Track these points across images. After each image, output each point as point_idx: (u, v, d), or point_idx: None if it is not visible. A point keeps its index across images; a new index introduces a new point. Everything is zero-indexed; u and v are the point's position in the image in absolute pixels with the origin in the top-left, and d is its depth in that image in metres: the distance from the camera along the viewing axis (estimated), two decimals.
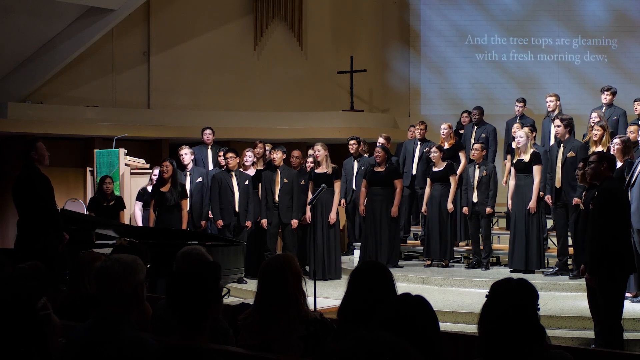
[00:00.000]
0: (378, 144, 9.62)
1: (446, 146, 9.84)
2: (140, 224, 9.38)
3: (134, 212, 9.58)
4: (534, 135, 9.11)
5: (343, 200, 10.29)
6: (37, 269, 3.66)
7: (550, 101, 9.63)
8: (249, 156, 9.50)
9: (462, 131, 10.96)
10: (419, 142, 10.24)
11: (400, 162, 10.33)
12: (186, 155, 9.30)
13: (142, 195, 9.52)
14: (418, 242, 10.39)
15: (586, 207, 5.75)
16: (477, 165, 8.93)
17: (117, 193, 9.45)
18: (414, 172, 10.14)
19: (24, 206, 6.24)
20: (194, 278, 2.68)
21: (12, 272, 3.76)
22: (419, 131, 10.26)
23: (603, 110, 9.16)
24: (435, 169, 9.27)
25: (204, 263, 3.24)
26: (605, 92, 9.35)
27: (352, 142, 10.25)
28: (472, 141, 10.09)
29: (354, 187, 10.21)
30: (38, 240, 6.09)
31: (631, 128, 8.18)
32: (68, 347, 2.88)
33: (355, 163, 10.23)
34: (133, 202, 9.66)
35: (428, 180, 9.39)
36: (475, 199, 8.85)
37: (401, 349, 1.68)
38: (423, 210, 9.49)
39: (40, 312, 2.40)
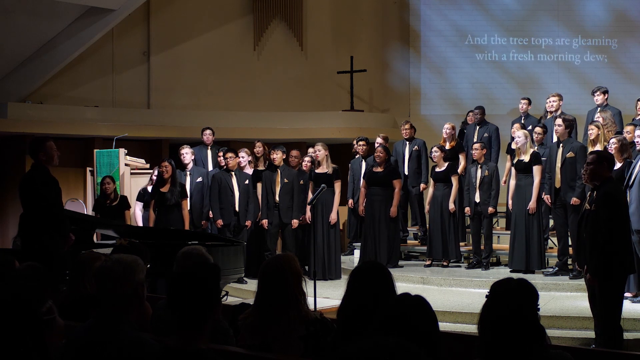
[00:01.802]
0: (377, 144, 9.62)
1: (447, 147, 9.84)
2: (140, 224, 9.38)
3: (134, 213, 9.58)
4: (544, 135, 9.06)
5: (350, 200, 10.28)
6: (34, 269, 3.66)
7: (553, 101, 9.62)
8: (241, 157, 9.43)
9: (466, 131, 10.96)
10: (407, 142, 10.24)
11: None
12: (187, 154, 9.30)
13: (142, 196, 9.51)
14: (418, 242, 10.39)
15: (590, 208, 5.75)
16: (479, 165, 8.92)
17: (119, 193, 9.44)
18: (406, 172, 10.14)
19: (26, 206, 6.23)
20: (195, 280, 2.68)
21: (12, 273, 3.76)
22: (404, 131, 10.25)
23: (598, 111, 9.17)
24: (437, 169, 9.27)
25: (205, 264, 3.24)
26: (596, 93, 9.39)
27: (361, 142, 10.19)
28: (475, 141, 10.09)
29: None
30: (38, 240, 6.07)
31: (627, 128, 8.18)
32: (68, 347, 2.87)
33: (363, 163, 10.18)
34: (133, 202, 9.65)
35: (431, 180, 9.40)
36: (477, 199, 8.85)
37: (416, 354, 1.68)
38: (426, 210, 9.50)
39: (45, 316, 2.39)
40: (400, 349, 1.67)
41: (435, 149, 9.31)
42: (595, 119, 8.58)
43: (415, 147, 10.08)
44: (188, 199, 8.89)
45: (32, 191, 6.13)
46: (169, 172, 8.61)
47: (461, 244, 9.65)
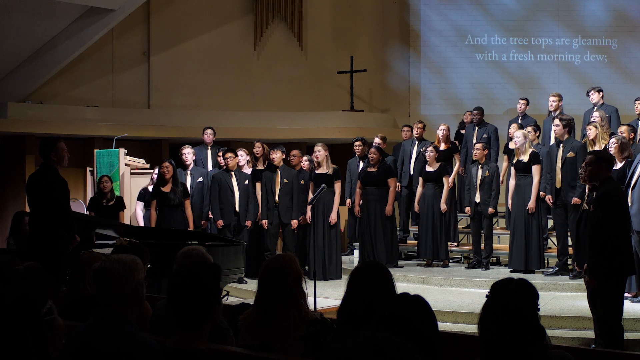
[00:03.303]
0: (374, 144, 9.62)
1: (442, 147, 9.85)
2: (142, 224, 9.37)
3: (136, 212, 9.57)
4: (537, 135, 9.09)
5: (348, 200, 10.28)
6: (35, 269, 3.66)
7: (553, 101, 9.64)
8: (240, 156, 9.41)
9: (463, 131, 10.95)
10: (417, 142, 10.24)
11: (398, 162, 10.33)
12: (188, 154, 9.30)
13: (143, 196, 9.50)
14: (417, 242, 10.38)
15: (589, 208, 5.75)
16: (479, 165, 8.92)
17: (117, 193, 9.43)
18: (412, 171, 10.14)
19: (35, 206, 6.20)
20: (195, 280, 2.68)
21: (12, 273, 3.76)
22: (416, 130, 10.26)
23: (595, 109, 9.18)
24: (429, 168, 9.27)
25: (205, 264, 3.25)
26: (591, 93, 9.44)
27: (357, 143, 10.20)
28: (474, 142, 10.09)
29: None
30: (46, 240, 6.02)
31: (622, 129, 8.20)
32: (67, 347, 2.87)
33: (361, 163, 10.18)
34: (133, 202, 9.64)
35: (420, 179, 9.39)
36: (477, 199, 8.85)
37: (405, 349, 1.68)
38: (416, 209, 9.51)
39: (46, 316, 2.39)
40: (389, 345, 1.67)
41: (431, 148, 9.31)
42: (592, 119, 8.59)
43: (423, 148, 10.07)
44: (190, 198, 8.90)
45: (41, 191, 6.09)
46: (170, 172, 8.63)
47: (453, 244, 9.65)
